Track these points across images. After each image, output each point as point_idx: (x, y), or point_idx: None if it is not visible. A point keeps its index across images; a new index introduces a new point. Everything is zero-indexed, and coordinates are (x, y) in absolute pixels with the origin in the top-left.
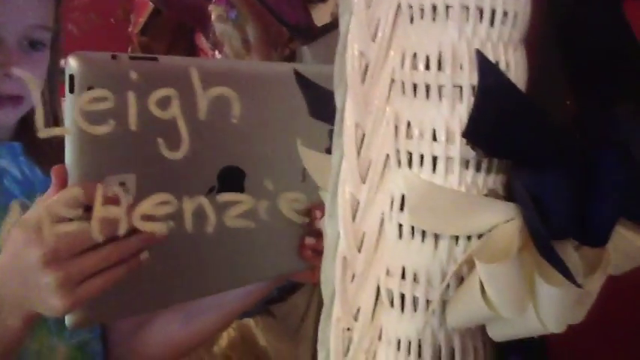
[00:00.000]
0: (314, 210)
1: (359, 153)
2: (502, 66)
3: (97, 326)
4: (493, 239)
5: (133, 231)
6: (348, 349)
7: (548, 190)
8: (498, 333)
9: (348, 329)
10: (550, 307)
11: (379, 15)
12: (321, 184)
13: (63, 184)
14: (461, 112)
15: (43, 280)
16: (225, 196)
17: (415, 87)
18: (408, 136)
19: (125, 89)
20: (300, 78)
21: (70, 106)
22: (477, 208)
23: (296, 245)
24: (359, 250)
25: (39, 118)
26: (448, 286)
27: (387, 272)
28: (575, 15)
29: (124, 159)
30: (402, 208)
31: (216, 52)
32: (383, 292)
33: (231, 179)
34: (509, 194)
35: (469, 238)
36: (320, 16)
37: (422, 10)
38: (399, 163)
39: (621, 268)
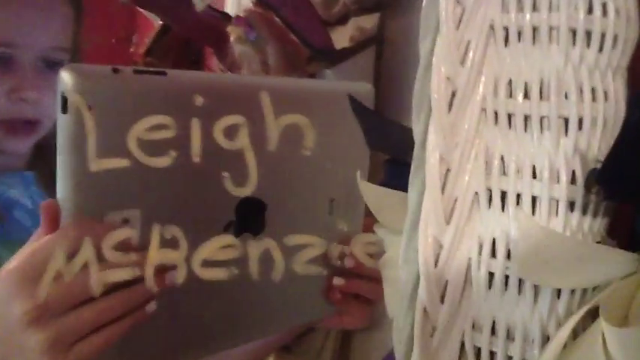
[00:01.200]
0: (342, 247)
1: (443, 190)
2: (610, 96)
3: None
4: (617, 293)
5: (136, 279)
6: None
7: None
8: None
9: None
10: None
11: (469, 36)
12: (382, 221)
13: (54, 225)
14: (566, 146)
15: (28, 342)
16: (294, 239)
17: (510, 117)
18: (502, 172)
19: (126, 107)
20: (356, 105)
21: (63, 129)
22: (596, 259)
23: (322, 288)
24: (442, 301)
25: (91, 146)
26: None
27: (474, 326)
28: None
29: (126, 192)
30: (493, 254)
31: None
32: (469, 348)
33: (251, 212)
34: (619, 242)
35: (572, 290)
36: (338, 38)
37: (520, 32)
38: (490, 202)
39: None
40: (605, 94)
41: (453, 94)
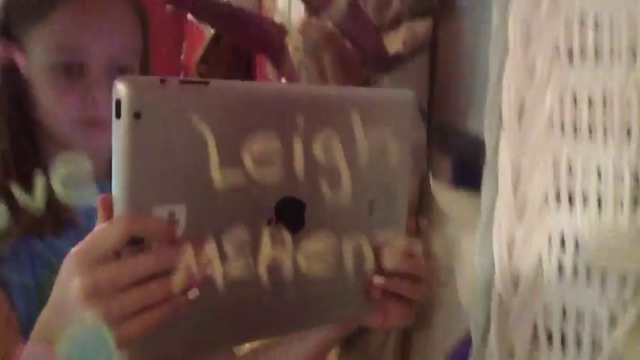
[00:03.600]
0: (381, 248)
1: (515, 191)
2: None
3: None
4: None
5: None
6: None
7: None
8: None
9: None
10: None
11: (536, 55)
12: (453, 219)
13: (109, 215)
14: (629, 151)
15: (83, 314)
16: (381, 234)
17: (576, 126)
18: (569, 174)
19: (175, 114)
20: (423, 113)
21: (117, 133)
22: None
23: (363, 286)
24: (515, 289)
25: (213, 159)
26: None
27: (545, 312)
28: None
29: (173, 188)
30: (562, 247)
31: (283, 80)
32: (541, 332)
33: (290, 211)
34: None
35: (637, 278)
36: (391, 43)
37: (582, 52)
38: (559, 201)
39: None
40: None
41: (522, 107)
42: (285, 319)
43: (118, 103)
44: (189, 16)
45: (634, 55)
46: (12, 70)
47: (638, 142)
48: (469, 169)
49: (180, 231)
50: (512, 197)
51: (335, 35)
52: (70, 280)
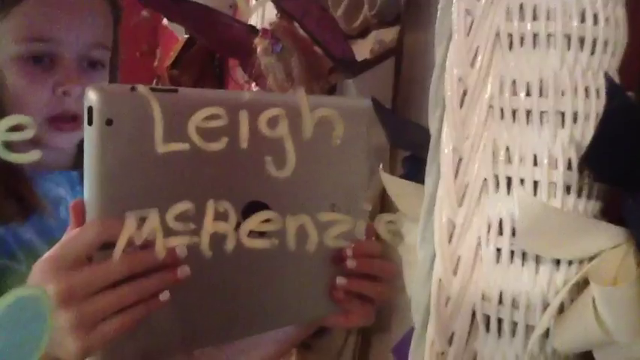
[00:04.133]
0: (344, 250)
1: (456, 177)
2: (602, 94)
3: None
4: (607, 262)
5: (153, 269)
6: None
7: None
8: (608, 359)
9: (442, 353)
10: None
11: (478, 42)
12: (402, 209)
13: (81, 220)
14: (563, 137)
15: (58, 320)
16: (327, 216)
17: (514, 113)
18: (507, 160)
19: (145, 121)
20: (380, 108)
21: (88, 139)
22: (589, 231)
23: (326, 287)
24: (454, 274)
25: (158, 132)
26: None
27: (483, 297)
28: None
29: (144, 193)
30: (500, 232)
31: (253, 85)
32: (479, 316)
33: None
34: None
35: (570, 262)
36: (359, 51)
37: (522, 38)
38: (497, 187)
39: None
40: (597, 91)
41: (464, 93)
42: (250, 321)
43: (90, 110)
44: (165, 22)
45: (568, 42)
46: None
47: (570, 129)
48: (418, 163)
49: (192, 212)
50: (453, 183)
51: (305, 40)
52: (43, 286)
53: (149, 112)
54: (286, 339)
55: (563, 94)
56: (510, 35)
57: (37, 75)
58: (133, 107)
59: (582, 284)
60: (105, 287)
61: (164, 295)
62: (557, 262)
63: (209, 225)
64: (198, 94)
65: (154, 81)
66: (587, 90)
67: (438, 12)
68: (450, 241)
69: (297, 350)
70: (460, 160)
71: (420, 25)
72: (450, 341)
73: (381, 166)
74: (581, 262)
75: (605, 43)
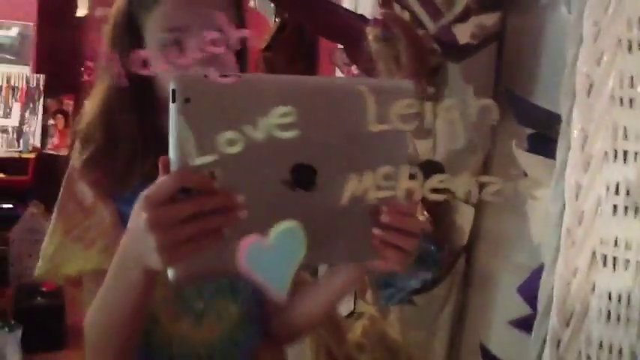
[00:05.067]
0: (382, 207)
1: (582, 150)
2: None
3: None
4: None
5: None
6: (566, 300)
7: None
8: None
9: (568, 284)
10: None
11: (603, 47)
12: (531, 175)
13: (167, 171)
14: None
15: (148, 240)
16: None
17: (631, 101)
18: (624, 137)
19: (219, 97)
20: (511, 95)
21: (172, 113)
22: None
23: (368, 236)
24: (579, 224)
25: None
26: None
27: (601, 241)
28: None
29: (212, 154)
30: (617, 193)
31: (353, 67)
32: (598, 255)
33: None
34: None
35: None
36: (459, 35)
37: (639, 43)
38: (615, 158)
39: None
40: None
41: (591, 86)
42: (314, 254)
43: (174, 91)
44: (251, 4)
45: None
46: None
47: None
48: (542, 138)
49: (217, 184)
50: (580, 154)
51: (410, 25)
52: (139, 215)
53: (222, 92)
54: (346, 279)
55: None
56: (630, 41)
57: (173, 57)
58: (206, 89)
59: None
60: (183, 219)
61: (243, 214)
62: None
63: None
64: (257, 78)
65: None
66: None
67: (571, 19)
68: (577, 198)
69: (402, 306)
70: (586, 137)
71: (522, 9)
72: (575, 274)
73: (513, 143)
74: None
75: None
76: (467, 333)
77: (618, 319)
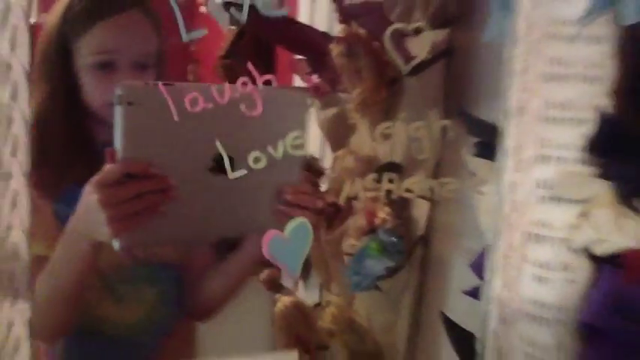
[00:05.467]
0: (283, 188)
1: (516, 155)
2: None
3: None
4: (597, 200)
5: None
6: (505, 268)
7: None
8: None
9: (507, 256)
10: None
11: (529, 79)
12: (479, 175)
13: (113, 160)
14: (579, 132)
15: (98, 216)
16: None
17: (552, 119)
18: (547, 146)
19: (155, 101)
20: (460, 111)
21: (117, 113)
22: (584, 184)
23: (271, 209)
24: (514, 211)
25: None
26: None
27: (530, 223)
28: None
29: (150, 146)
30: (541, 186)
31: (314, 77)
32: (528, 234)
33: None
34: None
35: (576, 201)
36: (413, 48)
37: (558, 72)
38: (542, 161)
39: None
40: None
41: (521, 108)
42: (227, 226)
43: (120, 96)
44: (203, 10)
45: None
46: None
47: (587, 125)
48: (486, 146)
49: (153, 170)
50: (514, 158)
51: (369, 42)
52: (89, 195)
53: (157, 97)
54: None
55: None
56: (550, 74)
57: (103, 77)
58: (145, 95)
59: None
60: (127, 198)
61: (174, 193)
62: (571, 201)
63: None
64: (186, 85)
65: (189, 66)
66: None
67: (504, 53)
68: (512, 192)
69: (369, 293)
70: (519, 146)
71: (468, 29)
72: (511, 248)
73: (464, 149)
74: (581, 201)
75: None
76: (426, 309)
77: (543, 280)
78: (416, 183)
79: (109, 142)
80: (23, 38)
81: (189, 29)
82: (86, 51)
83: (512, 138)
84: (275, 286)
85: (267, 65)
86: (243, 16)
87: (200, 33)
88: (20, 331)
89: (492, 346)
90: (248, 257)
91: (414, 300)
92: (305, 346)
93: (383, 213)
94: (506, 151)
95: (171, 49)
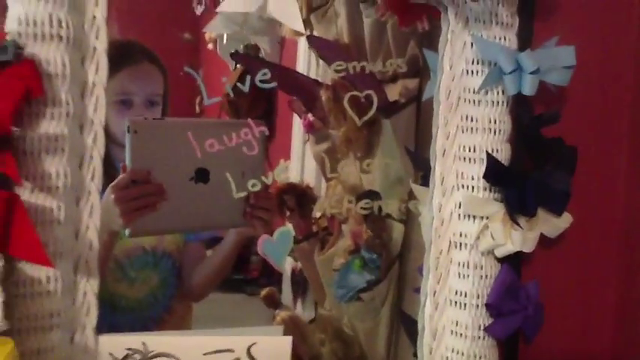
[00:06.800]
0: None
1: (441, 184)
2: None
3: (174, 267)
4: (494, 219)
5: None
6: (437, 268)
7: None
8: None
9: (437, 259)
10: None
11: (450, 129)
12: (421, 199)
13: (125, 171)
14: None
15: (114, 210)
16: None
17: (466, 159)
18: (463, 178)
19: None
20: (408, 150)
21: (127, 139)
22: (486, 205)
23: (242, 211)
24: (442, 224)
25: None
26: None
27: (454, 234)
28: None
29: (150, 162)
30: (459, 206)
31: (309, 115)
32: (453, 243)
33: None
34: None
35: (482, 217)
36: (390, 93)
37: (469, 125)
38: (458, 188)
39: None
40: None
41: (445, 150)
42: (207, 221)
43: (129, 127)
44: (210, 47)
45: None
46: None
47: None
48: (427, 178)
49: (152, 179)
50: (440, 187)
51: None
52: (108, 196)
53: (154, 128)
54: (236, 236)
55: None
56: (463, 127)
57: (123, 112)
58: (147, 126)
59: (485, 226)
60: (134, 197)
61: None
62: (477, 217)
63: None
64: (175, 120)
65: (198, 99)
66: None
67: (434, 108)
68: (440, 210)
69: (352, 302)
70: (443, 177)
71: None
72: (441, 253)
73: (410, 181)
74: (485, 217)
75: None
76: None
77: (464, 276)
78: (389, 205)
79: (123, 159)
80: (102, 101)
81: (196, 67)
82: (112, 91)
83: (438, 172)
84: (274, 302)
85: (269, 103)
86: (246, 87)
87: (215, 100)
88: (91, 298)
89: (428, 327)
90: (227, 248)
91: (391, 309)
92: (299, 357)
93: (366, 234)
94: (435, 181)
95: (180, 86)
